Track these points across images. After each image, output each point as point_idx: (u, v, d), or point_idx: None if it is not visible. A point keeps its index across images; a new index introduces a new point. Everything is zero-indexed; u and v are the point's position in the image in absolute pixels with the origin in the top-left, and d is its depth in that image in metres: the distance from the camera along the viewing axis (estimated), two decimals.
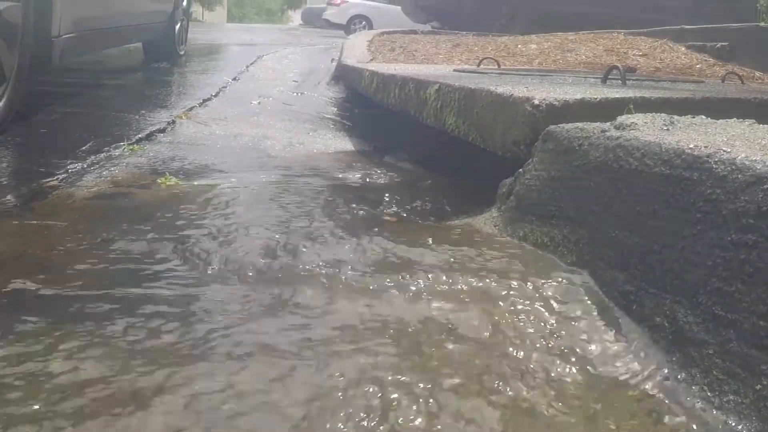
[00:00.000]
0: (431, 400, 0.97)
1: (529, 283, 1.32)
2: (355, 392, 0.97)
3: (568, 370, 1.08)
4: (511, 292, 1.29)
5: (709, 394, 1.01)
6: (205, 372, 1.00)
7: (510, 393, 1.01)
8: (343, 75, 4.44)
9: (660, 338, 1.13)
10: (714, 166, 1.09)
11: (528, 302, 1.26)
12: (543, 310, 1.24)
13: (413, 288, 1.30)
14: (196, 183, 2.07)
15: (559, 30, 5.87)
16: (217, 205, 1.80)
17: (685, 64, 4.39)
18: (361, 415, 0.93)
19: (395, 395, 0.97)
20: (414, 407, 0.95)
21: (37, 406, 0.90)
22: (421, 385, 1.00)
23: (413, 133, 2.70)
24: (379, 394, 0.97)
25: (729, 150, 1.10)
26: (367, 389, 0.98)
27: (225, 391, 0.96)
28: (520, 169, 1.65)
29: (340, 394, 0.97)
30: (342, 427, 0.90)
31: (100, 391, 0.94)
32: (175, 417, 0.89)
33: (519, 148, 1.72)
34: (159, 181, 2.05)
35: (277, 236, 1.56)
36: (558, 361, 1.10)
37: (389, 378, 1.01)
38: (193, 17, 9.86)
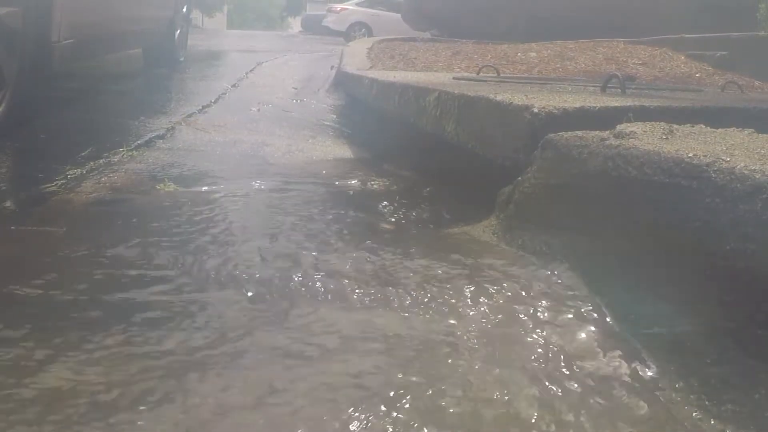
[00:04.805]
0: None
1: (527, 292, 1.32)
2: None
3: (566, 374, 1.08)
4: (511, 300, 1.29)
5: (707, 403, 1.00)
6: (206, 376, 1.00)
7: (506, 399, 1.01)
8: (343, 82, 4.45)
9: (659, 347, 1.12)
10: (713, 175, 1.09)
11: (527, 309, 1.26)
12: (542, 316, 1.23)
13: (411, 297, 1.30)
14: (194, 189, 2.06)
15: (559, 37, 5.89)
16: (215, 212, 1.80)
17: (685, 73, 4.40)
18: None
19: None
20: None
21: (33, 413, 0.89)
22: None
23: (412, 140, 2.69)
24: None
25: (728, 159, 1.11)
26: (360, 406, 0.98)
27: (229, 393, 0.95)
28: (519, 177, 1.65)
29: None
30: None
31: (98, 396, 0.93)
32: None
33: (518, 155, 1.72)
34: (158, 187, 2.05)
35: (274, 244, 1.56)
36: (556, 372, 1.09)
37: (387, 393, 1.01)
38: (193, 23, 9.88)
